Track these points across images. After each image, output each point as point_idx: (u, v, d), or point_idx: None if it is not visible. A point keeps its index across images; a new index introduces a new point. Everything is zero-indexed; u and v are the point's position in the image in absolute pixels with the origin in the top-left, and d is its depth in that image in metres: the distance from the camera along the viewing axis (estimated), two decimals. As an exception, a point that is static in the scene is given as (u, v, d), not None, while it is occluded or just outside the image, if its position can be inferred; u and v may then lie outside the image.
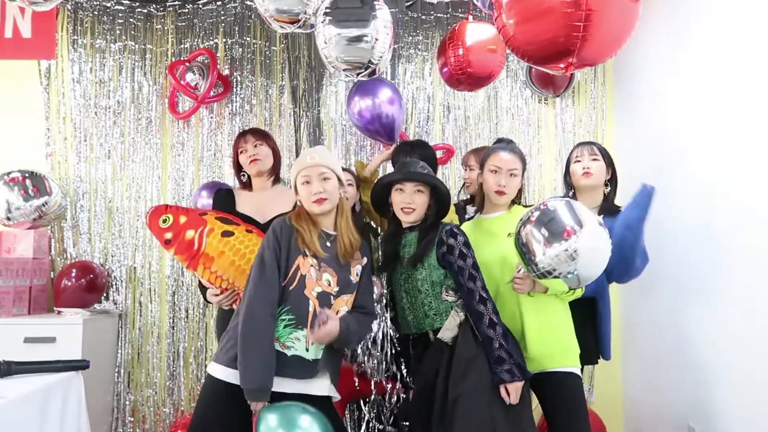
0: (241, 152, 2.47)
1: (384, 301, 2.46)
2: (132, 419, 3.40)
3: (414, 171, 2.14)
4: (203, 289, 2.25)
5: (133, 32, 3.60)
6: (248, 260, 2.05)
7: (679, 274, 2.76)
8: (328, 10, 2.29)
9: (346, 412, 2.96)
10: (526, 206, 2.25)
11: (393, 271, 2.18)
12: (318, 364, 1.93)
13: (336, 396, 2.00)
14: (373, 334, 2.59)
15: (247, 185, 2.52)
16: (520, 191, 2.26)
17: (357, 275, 2.03)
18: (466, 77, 2.76)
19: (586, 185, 2.43)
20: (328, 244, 2.00)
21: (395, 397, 2.67)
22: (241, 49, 3.59)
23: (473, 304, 1.98)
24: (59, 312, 3.12)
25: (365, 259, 2.07)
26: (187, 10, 3.59)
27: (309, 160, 2.01)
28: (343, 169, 2.49)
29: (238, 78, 3.59)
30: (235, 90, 3.58)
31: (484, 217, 2.29)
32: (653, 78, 3.13)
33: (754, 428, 2.20)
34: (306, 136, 3.54)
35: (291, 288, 1.91)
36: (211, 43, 3.58)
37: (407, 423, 2.16)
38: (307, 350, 1.90)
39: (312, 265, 1.93)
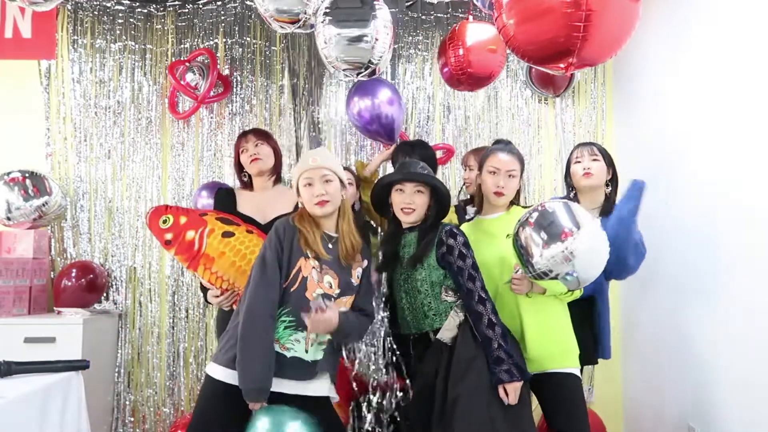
0: (242, 152, 2.48)
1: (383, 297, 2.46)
2: (132, 419, 3.40)
3: (414, 171, 2.15)
4: (204, 290, 2.25)
5: (133, 32, 3.59)
6: (249, 261, 2.05)
7: (678, 274, 2.76)
8: (328, 10, 2.29)
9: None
10: (525, 207, 2.25)
11: (393, 272, 2.18)
12: (317, 365, 1.93)
13: (335, 397, 2.00)
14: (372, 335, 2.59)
15: (248, 185, 2.53)
16: (518, 192, 2.27)
17: (358, 277, 2.03)
18: (467, 77, 2.76)
19: (587, 186, 2.43)
20: (330, 246, 1.99)
21: (395, 397, 2.66)
22: (241, 49, 3.59)
23: (472, 304, 1.99)
24: (59, 312, 3.12)
25: (366, 262, 2.07)
26: (187, 10, 3.59)
27: (311, 162, 2.00)
28: (343, 168, 2.48)
29: (238, 78, 3.59)
30: (235, 90, 3.58)
31: (483, 217, 2.29)
32: (653, 78, 3.13)
33: (754, 428, 2.20)
34: (306, 136, 3.53)
35: (292, 290, 1.91)
36: (211, 43, 3.58)
37: (407, 422, 2.15)
38: (306, 352, 1.90)
39: (314, 267, 1.93)
